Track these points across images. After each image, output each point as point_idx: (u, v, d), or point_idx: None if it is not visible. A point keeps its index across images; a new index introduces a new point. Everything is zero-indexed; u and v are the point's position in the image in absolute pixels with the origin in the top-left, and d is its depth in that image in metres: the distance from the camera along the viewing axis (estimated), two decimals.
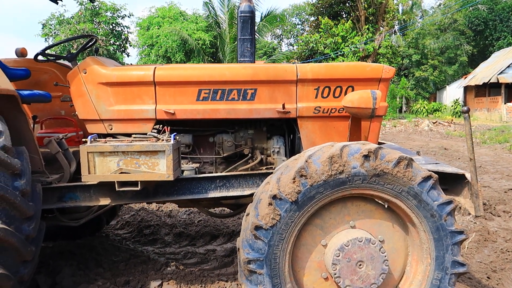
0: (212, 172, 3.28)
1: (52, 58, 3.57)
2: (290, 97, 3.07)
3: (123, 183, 2.73)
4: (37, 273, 3.23)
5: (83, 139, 2.77)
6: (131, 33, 29.61)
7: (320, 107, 3.07)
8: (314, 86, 3.06)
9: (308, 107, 3.06)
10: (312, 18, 32.48)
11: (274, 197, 2.27)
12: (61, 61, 3.85)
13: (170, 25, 26.96)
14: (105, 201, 2.99)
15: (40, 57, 3.48)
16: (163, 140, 2.76)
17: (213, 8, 25.91)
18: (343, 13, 29.87)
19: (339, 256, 2.29)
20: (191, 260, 3.93)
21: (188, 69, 3.20)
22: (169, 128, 2.90)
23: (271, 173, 2.66)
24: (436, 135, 17.88)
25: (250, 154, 3.27)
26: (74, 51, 3.49)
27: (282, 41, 50.21)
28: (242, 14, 3.42)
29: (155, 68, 3.05)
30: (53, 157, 3.11)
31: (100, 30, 26.26)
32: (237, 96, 3.05)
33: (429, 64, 35.68)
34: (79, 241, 4.32)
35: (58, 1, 4.31)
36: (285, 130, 3.33)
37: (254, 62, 3.49)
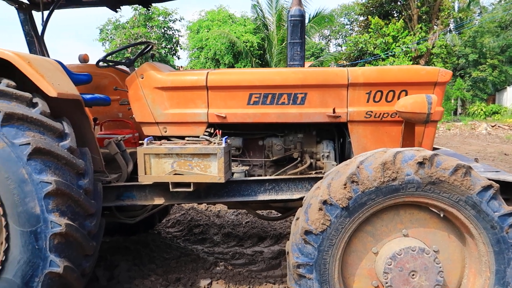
0: (261, 175, 3.33)
1: (111, 63, 3.78)
2: (341, 101, 3.05)
3: (176, 184, 2.83)
4: (96, 267, 3.44)
5: (140, 141, 2.91)
6: (181, 36, 30.54)
7: (371, 111, 3.02)
8: (366, 90, 3.02)
9: (359, 112, 3.02)
10: (362, 18, 31.73)
11: (325, 202, 2.27)
12: (120, 66, 4.06)
13: (219, 28, 27.47)
14: (159, 201, 3.12)
15: (100, 63, 3.69)
16: (215, 143, 2.84)
17: (261, 10, 26.08)
18: (395, 12, 28.94)
19: (391, 264, 2.25)
20: (239, 261, 4.00)
21: (239, 73, 3.27)
22: (220, 131, 2.97)
23: (321, 177, 2.66)
24: (495, 139, 16.85)
25: (299, 158, 3.28)
26: (129, 55, 3.66)
27: (330, 41, 49.53)
28: (292, 18, 3.44)
29: (207, 73, 3.14)
30: (112, 157, 3.29)
31: (153, 34, 27.28)
32: (287, 100, 3.07)
33: (487, 63, 33.64)
34: (134, 237, 4.54)
35: (117, 10, 4.56)
36: (335, 134, 3.31)
37: (304, 66, 3.49)
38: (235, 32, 26.53)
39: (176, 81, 3.16)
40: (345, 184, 2.26)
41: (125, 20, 27.57)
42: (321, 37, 48.70)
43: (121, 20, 27.63)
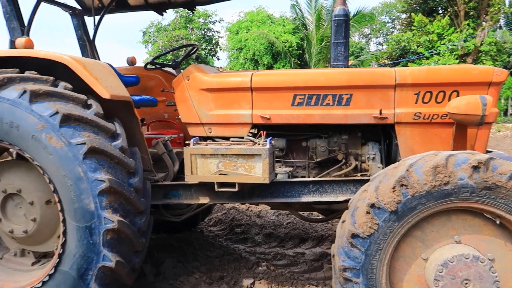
0: (304, 177, 3.31)
1: (159, 66, 3.89)
2: (388, 102, 2.98)
3: (221, 184, 2.88)
4: (143, 263, 3.55)
5: (186, 142, 2.98)
6: (221, 37, 30.97)
7: (420, 113, 2.93)
8: (414, 91, 2.93)
9: (407, 113, 2.94)
10: (404, 16, 30.82)
11: (372, 205, 2.23)
12: (166, 68, 4.18)
13: (258, 29, 27.58)
14: (204, 200, 3.18)
15: (148, 65, 3.82)
16: (259, 144, 2.86)
17: (300, 10, 25.90)
18: (439, 8, 27.86)
19: (442, 272, 2.17)
20: (281, 262, 4.00)
21: (284, 75, 3.28)
22: (265, 132, 2.98)
23: (366, 180, 2.61)
24: None
25: (343, 160, 3.24)
26: (171, 57, 3.76)
27: (371, 40, 48.41)
28: (337, 18, 3.41)
29: (252, 74, 3.17)
30: (159, 157, 3.39)
31: (193, 35, 27.84)
32: (332, 101, 3.04)
33: None
34: (178, 235, 4.65)
35: (163, 13, 4.70)
36: (381, 136, 3.23)
37: (348, 66, 3.45)
38: (274, 33, 26.53)
39: (221, 82, 3.22)
40: (393, 188, 2.21)
41: (166, 23, 28.30)
42: (361, 36, 47.71)
43: (163, 23, 28.38)
